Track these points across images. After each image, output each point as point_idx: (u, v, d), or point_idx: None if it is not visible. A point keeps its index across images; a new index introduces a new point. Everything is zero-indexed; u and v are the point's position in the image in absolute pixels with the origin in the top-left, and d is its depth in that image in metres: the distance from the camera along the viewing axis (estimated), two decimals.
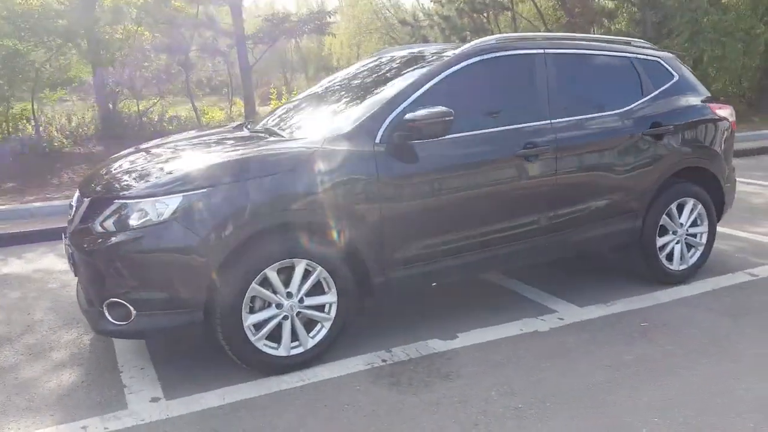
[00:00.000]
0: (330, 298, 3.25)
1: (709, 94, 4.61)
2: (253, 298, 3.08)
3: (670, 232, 4.32)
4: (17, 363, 3.44)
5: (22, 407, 2.96)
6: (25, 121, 11.55)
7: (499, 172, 3.62)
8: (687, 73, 4.52)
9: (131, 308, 2.96)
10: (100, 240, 3.01)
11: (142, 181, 3.14)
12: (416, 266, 3.44)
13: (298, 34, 12.39)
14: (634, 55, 4.27)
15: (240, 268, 3.00)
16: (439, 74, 3.58)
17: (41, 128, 11.42)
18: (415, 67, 3.77)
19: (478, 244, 3.59)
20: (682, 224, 4.34)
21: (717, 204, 4.52)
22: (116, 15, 11.13)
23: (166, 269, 2.93)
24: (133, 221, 2.95)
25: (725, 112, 4.54)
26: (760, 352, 3.36)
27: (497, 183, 3.62)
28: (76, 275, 3.32)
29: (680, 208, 4.33)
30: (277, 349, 3.16)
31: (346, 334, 3.45)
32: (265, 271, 3.05)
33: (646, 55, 4.35)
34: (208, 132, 4.40)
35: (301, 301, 3.18)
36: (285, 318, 3.15)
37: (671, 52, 4.72)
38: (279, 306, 3.13)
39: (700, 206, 4.38)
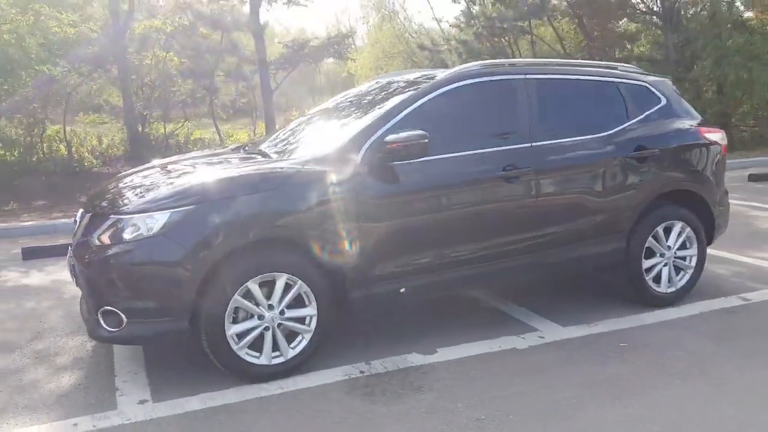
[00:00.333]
0: (310, 311, 3.42)
1: (701, 118, 4.70)
2: (236, 309, 3.28)
3: (657, 255, 4.39)
4: (23, 366, 3.69)
5: (21, 406, 3.19)
6: (57, 142, 12.09)
7: (478, 193, 3.77)
8: (676, 97, 4.62)
9: (123, 316, 3.18)
10: (96, 252, 3.25)
11: (135, 198, 3.38)
12: (395, 282, 3.59)
13: (317, 59, 12.75)
14: (620, 80, 4.40)
15: (223, 280, 3.20)
16: (422, 98, 3.76)
17: (73, 149, 11.95)
18: (402, 91, 3.96)
19: (456, 263, 3.73)
20: (669, 247, 4.41)
21: (707, 227, 4.57)
22: (143, 42, 11.62)
23: (155, 280, 3.15)
24: (126, 235, 3.18)
25: (715, 136, 4.61)
26: (739, 377, 3.38)
27: (476, 203, 3.77)
28: (77, 285, 3.56)
29: (668, 231, 4.40)
30: (258, 358, 3.34)
31: (329, 345, 3.63)
32: (247, 284, 3.25)
33: (633, 79, 4.47)
34: (208, 153, 4.65)
35: (282, 313, 3.36)
36: (266, 329, 3.34)
37: (662, 76, 4.83)
38: (261, 317, 3.32)
39: (688, 229, 4.44)
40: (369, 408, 3.11)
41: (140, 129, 12.58)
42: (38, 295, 5.13)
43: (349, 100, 4.51)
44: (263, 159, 3.82)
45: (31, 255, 6.35)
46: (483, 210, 3.79)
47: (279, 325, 3.37)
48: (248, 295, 3.28)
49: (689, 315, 4.30)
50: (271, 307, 3.33)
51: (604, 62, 5.01)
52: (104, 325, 3.24)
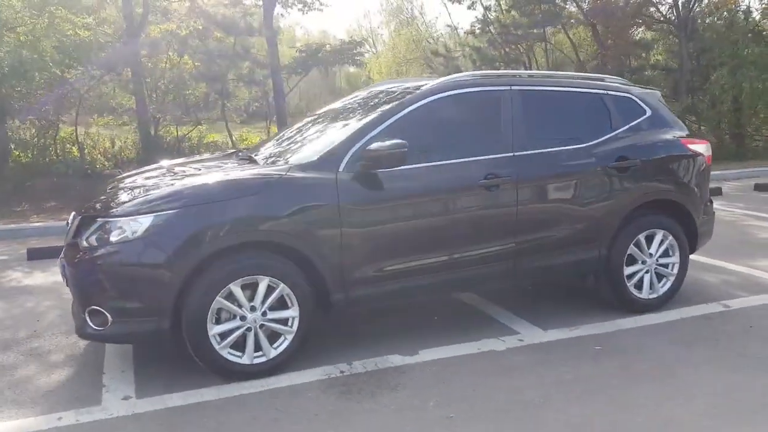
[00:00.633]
0: (292, 312, 3.54)
1: (686, 130, 4.76)
2: (219, 310, 3.41)
3: (639, 262, 4.45)
4: (17, 362, 3.85)
5: (10, 400, 3.35)
6: (70, 144, 12.36)
7: (459, 201, 3.88)
8: (662, 109, 4.69)
9: (108, 316, 3.32)
10: (84, 254, 3.40)
11: (122, 202, 3.52)
12: (374, 286, 3.70)
13: (330, 65, 12.91)
14: (605, 92, 4.48)
15: (205, 282, 3.33)
16: (407, 108, 3.88)
17: (86, 151, 12.20)
18: (389, 101, 4.07)
19: (436, 268, 3.84)
20: (651, 254, 4.47)
21: (690, 236, 4.63)
22: (154, 47, 11.84)
23: (138, 281, 3.29)
24: (113, 237, 3.33)
25: (699, 147, 4.68)
26: (702, 381, 3.46)
27: (457, 211, 3.88)
28: (67, 285, 3.71)
29: (650, 239, 4.46)
30: (241, 357, 3.47)
31: (314, 346, 3.76)
32: (229, 286, 3.38)
33: (618, 91, 4.55)
34: (202, 158, 4.80)
35: (264, 314, 3.49)
36: (249, 330, 3.46)
37: (651, 89, 4.90)
38: (243, 318, 3.45)
39: (670, 238, 4.51)
40: (342, 405, 3.22)
41: (153, 132, 12.81)
42: (39, 295, 5.30)
43: (342, 107, 4.63)
44: (250, 165, 3.95)
45: (35, 255, 6.54)
46: (464, 217, 3.90)
47: (261, 326, 3.49)
48: (230, 296, 3.41)
49: (667, 321, 4.37)
50: (253, 309, 3.46)
51: (591, 74, 5.08)
52: (91, 324, 3.38)
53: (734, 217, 8.24)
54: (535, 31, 14.89)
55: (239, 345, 3.48)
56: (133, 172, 4.54)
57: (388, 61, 23.71)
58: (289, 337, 3.56)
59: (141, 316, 3.32)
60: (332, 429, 2.99)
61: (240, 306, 3.43)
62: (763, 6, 15.89)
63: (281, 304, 3.53)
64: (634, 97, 4.56)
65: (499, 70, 14.80)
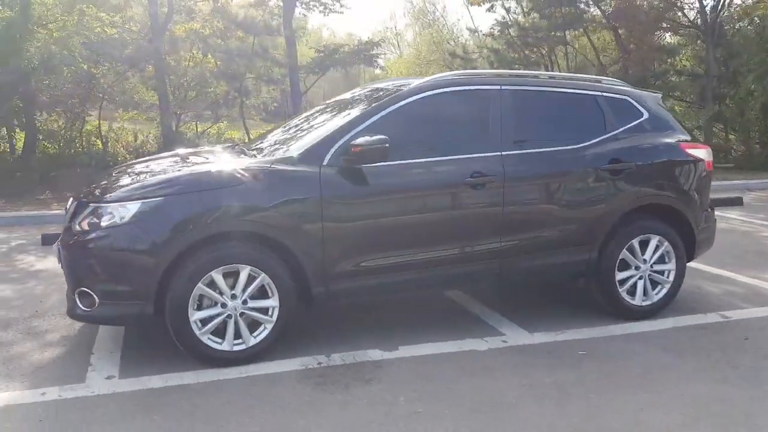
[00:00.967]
0: (273, 302, 3.61)
1: (686, 134, 4.71)
2: (201, 297, 3.49)
3: (633, 267, 4.41)
4: (14, 340, 3.99)
5: (2, 374, 3.48)
6: (95, 137, 12.68)
7: (442, 198, 3.91)
8: (660, 112, 4.64)
9: (96, 297, 3.43)
10: (77, 237, 3.52)
11: (114, 188, 3.63)
12: (355, 280, 3.75)
13: (347, 65, 13.00)
14: (600, 93, 4.46)
15: (188, 269, 3.42)
16: (393, 105, 3.92)
17: (109, 144, 12.50)
18: (378, 98, 4.12)
19: (416, 264, 3.86)
20: (645, 260, 4.43)
21: (687, 243, 4.57)
22: (178, 45, 12.07)
23: (124, 265, 3.39)
24: (103, 222, 3.44)
25: (699, 152, 4.62)
26: (683, 389, 3.41)
27: (440, 208, 3.90)
28: (62, 268, 3.84)
29: (644, 244, 4.42)
30: (221, 344, 3.55)
31: (296, 336, 3.82)
32: (211, 273, 3.46)
33: (614, 93, 4.52)
34: (203, 149, 4.91)
35: (244, 302, 3.56)
36: (229, 317, 3.54)
37: (652, 92, 4.86)
38: (224, 306, 3.52)
39: (666, 244, 4.45)
40: (316, 396, 3.27)
41: (174, 127, 13.07)
42: (47, 278, 5.47)
43: (336, 103, 4.70)
44: (239, 157, 4.03)
45: (50, 241, 6.72)
46: (447, 215, 3.92)
47: (241, 314, 3.56)
48: (212, 284, 3.49)
49: (659, 329, 4.32)
50: (234, 297, 3.53)
51: (588, 76, 5.06)
52: (80, 305, 3.50)
53: (752, 228, 8.09)
54: (555, 34, 14.74)
55: (220, 332, 3.56)
56: (144, 158, 4.67)
57: (409, 63, 23.78)
58: (269, 327, 3.62)
59: (126, 299, 3.42)
60: (303, 418, 3.04)
61: (221, 293, 3.51)
62: None
63: (262, 293, 3.60)
64: (630, 100, 4.53)
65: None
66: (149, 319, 3.47)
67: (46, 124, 12.04)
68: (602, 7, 14.35)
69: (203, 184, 3.51)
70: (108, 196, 3.56)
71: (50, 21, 12.19)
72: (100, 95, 12.21)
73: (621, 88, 4.64)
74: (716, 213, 5.08)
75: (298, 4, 14.37)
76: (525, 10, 15.10)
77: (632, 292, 4.43)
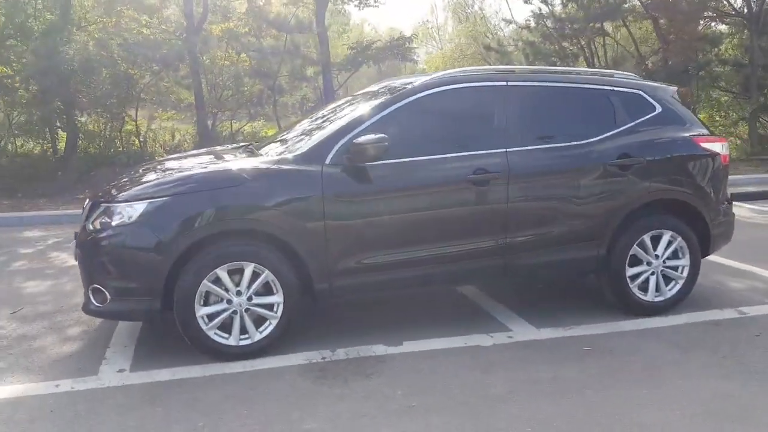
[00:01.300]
0: (277, 298, 3.71)
1: (701, 128, 4.60)
2: (207, 293, 3.61)
3: (644, 263, 4.35)
4: (38, 334, 4.20)
5: (22, 366, 3.68)
6: (134, 137, 13.08)
7: (444, 195, 3.93)
8: (674, 105, 4.54)
9: (107, 294, 3.59)
10: (90, 236, 3.69)
11: (126, 189, 3.78)
12: (358, 277, 3.81)
13: (379, 61, 13.05)
14: (611, 88, 4.39)
15: (194, 266, 3.54)
16: (397, 104, 3.97)
17: (147, 143, 12.88)
18: (383, 96, 4.16)
19: (419, 261, 3.89)
20: (657, 256, 4.36)
21: (702, 238, 4.48)
22: (213, 45, 12.33)
23: (132, 263, 3.54)
24: (113, 222, 3.59)
25: (714, 146, 4.51)
26: (685, 385, 3.38)
27: (443, 205, 3.92)
28: (78, 266, 4.01)
29: (657, 240, 4.36)
30: (227, 339, 3.67)
31: (303, 332, 3.92)
32: (216, 270, 3.57)
33: (626, 87, 4.45)
34: (216, 149, 5.04)
35: (249, 299, 3.66)
36: (234, 313, 3.65)
37: (666, 85, 4.77)
38: (229, 302, 3.64)
39: (679, 239, 4.38)
40: (315, 389, 3.36)
41: (210, 126, 13.37)
42: (78, 276, 5.69)
43: (347, 101, 4.75)
44: (246, 156, 4.14)
45: None
46: (450, 212, 3.94)
47: (247, 310, 3.67)
48: (217, 281, 3.60)
49: (672, 324, 4.26)
50: (239, 293, 3.64)
51: (600, 70, 4.98)
52: (93, 301, 3.66)
53: None
54: (594, 25, 14.44)
55: (227, 327, 3.67)
56: (159, 159, 4.84)
57: (447, 57, 23.70)
58: (274, 322, 3.72)
59: (135, 295, 3.57)
60: (298, 410, 3.13)
61: (226, 290, 3.62)
62: None
63: (267, 290, 3.70)
64: (643, 94, 4.44)
65: (554, 65, 14.53)
66: (158, 314, 3.60)
67: (87, 124, 12.47)
68: None
69: (207, 183, 3.63)
70: (118, 196, 3.71)
71: (90, 23, 12.62)
72: (138, 95, 12.57)
73: (634, 82, 4.57)
74: (754, 206, 4.96)
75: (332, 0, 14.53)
76: (563, 1, 14.82)
77: (644, 287, 4.38)
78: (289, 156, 3.85)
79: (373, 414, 3.09)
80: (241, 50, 13.65)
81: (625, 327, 4.22)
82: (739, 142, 15.92)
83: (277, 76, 12.78)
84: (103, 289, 3.60)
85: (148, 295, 3.55)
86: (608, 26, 15.13)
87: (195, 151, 5.00)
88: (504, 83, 4.16)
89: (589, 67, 15.89)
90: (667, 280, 4.43)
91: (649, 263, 4.36)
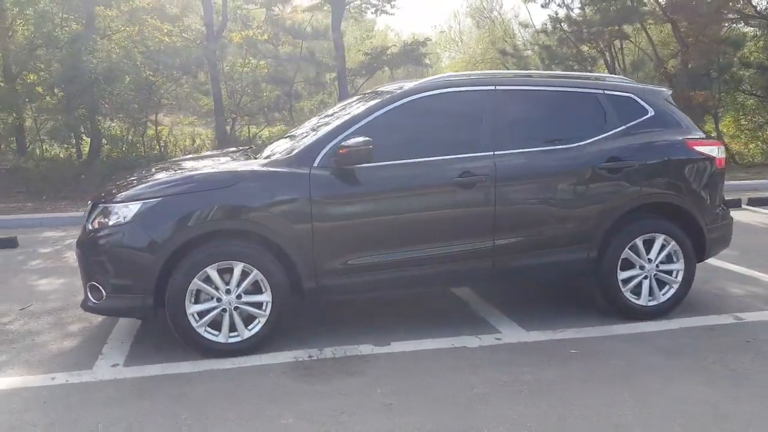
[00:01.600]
0: (266, 297, 3.81)
1: (696, 130, 4.59)
2: (198, 291, 3.73)
3: (637, 267, 4.36)
4: (42, 329, 4.37)
5: (23, 360, 3.83)
6: (156, 141, 13.38)
7: (430, 198, 3.99)
8: (668, 108, 4.54)
9: (103, 291, 3.73)
10: (88, 235, 3.83)
11: (123, 190, 3.92)
12: (345, 277, 3.89)
13: (395, 66, 13.15)
14: (601, 91, 4.41)
15: (184, 265, 3.66)
16: (384, 108, 4.05)
17: (168, 148, 13.17)
18: (373, 100, 4.24)
19: (406, 263, 3.96)
20: (650, 260, 4.36)
21: (697, 243, 4.47)
22: (231, 52, 12.57)
23: (126, 261, 3.67)
24: (110, 222, 3.73)
25: (708, 149, 4.49)
26: (666, 389, 3.38)
27: (429, 208, 3.99)
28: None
29: (649, 244, 4.36)
30: (217, 336, 3.77)
31: (294, 331, 4.02)
32: (206, 269, 3.69)
33: (617, 90, 4.46)
34: (215, 153, 5.19)
35: (239, 297, 3.77)
36: (224, 311, 3.76)
37: (659, 88, 4.77)
38: (219, 300, 3.75)
39: (672, 243, 4.37)
40: (297, 387, 3.44)
41: (229, 131, 13.61)
42: None
43: (342, 106, 4.84)
44: (240, 159, 4.26)
45: None
46: (435, 214, 4.00)
47: (236, 308, 3.78)
48: (207, 279, 3.72)
49: (664, 329, 4.25)
50: (228, 292, 3.75)
51: (591, 74, 5.01)
52: (90, 298, 3.81)
53: None
54: (613, 28, 14.30)
55: (217, 325, 3.78)
56: (161, 163, 5.00)
57: (465, 62, 23.72)
58: (263, 321, 3.82)
59: (129, 292, 3.70)
60: (277, 407, 3.21)
61: (216, 288, 3.74)
62: None
63: (256, 289, 3.80)
64: (635, 97, 4.45)
65: (571, 69, 14.45)
66: (151, 311, 3.73)
67: (110, 130, 12.80)
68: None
69: (198, 185, 3.76)
70: (116, 196, 3.86)
71: (114, 32, 12.97)
72: (159, 101, 12.86)
73: (625, 85, 4.58)
74: None
75: (351, 7, 14.69)
76: (580, 4, 14.74)
77: (637, 291, 4.38)
78: (280, 159, 3.96)
79: (350, 411, 3.16)
80: (260, 57, 13.88)
81: (616, 331, 4.23)
82: (765, 147, 15.64)
83: (293, 83, 12.96)
84: (100, 287, 3.74)
85: (142, 293, 3.67)
86: (628, 29, 14.96)
87: (194, 155, 5.15)
88: (492, 87, 4.22)
89: (609, 70, 15.80)
90: (661, 284, 4.43)
91: (641, 267, 4.36)
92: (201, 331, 3.74)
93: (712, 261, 5.81)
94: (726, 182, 11.14)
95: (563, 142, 4.22)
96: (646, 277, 4.38)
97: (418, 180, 3.96)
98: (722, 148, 4.61)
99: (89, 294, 3.82)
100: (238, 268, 3.74)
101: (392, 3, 15.22)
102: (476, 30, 25.97)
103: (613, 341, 4.06)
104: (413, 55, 12.93)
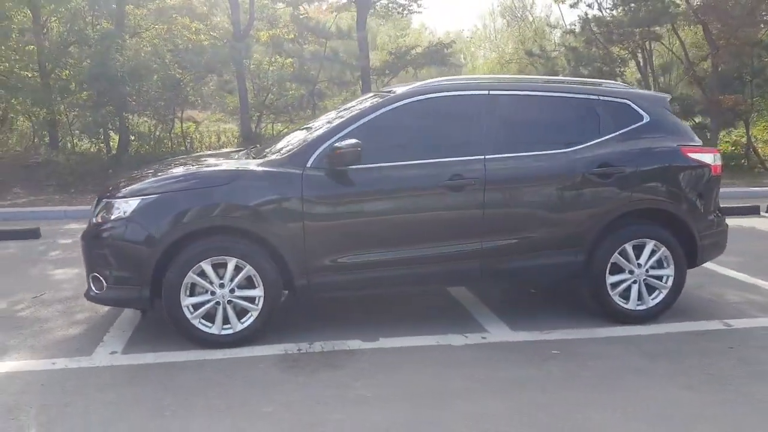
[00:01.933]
0: (258, 292, 3.97)
1: (692, 138, 4.60)
2: (193, 285, 3.90)
3: (626, 271, 4.40)
4: (50, 317, 4.61)
5: (28, 345, 4.06)
6: (183, 138, 13.72)
7: (420, 199, 4.10)
8: (664, 115, 4.55)
9: (104, 282, 3.94)
10: (92, 228, 4.05)
11: (126, 186, 4.11)
12: (335, 275, 4.03)
13: (419, 66, 13.24)
14: (597, 97, 4.45)
15: (180, 259, 3.84)
16: (378, 111, 4.17)
17: (195, 144, 13.49)
18: (367, 103, 4.37)
19: (395, 262, 4.07)
20: (640, 264, 4.39)
21: (688, 249, 4.49)
22: (254, 49, 12.81)
23: (125, 254, 3.87)
24: (112, 216, 3.93)
25: (703, 157, 4.50)
26: (641, 391, 3.43)
27: (418, 209, 4.10)
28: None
29: (640, 249, 4.39)
30: (210, 328, 3.95)
31: (288, 325, 4.20)
32: (201, 263, 3.86)
33: (612, 96, 4.50)
34: (221, 152, 5.38)
35: (232, 291, 3.94)
36: (218, 304, 3.93)
37: (660, 94, 4.79)
38: (213, 293, 3.92)
39: (663, 249, 4.40)
40: (281, 378, 3.59)
41: (254, 128, 13.87)
42: None
43: (343, 108, 4.97)
44: (239, 158, 4.43)
45: None
46: (424, 215, 4.10)
47: (229, 301, 3.95)
48: (202, 273, 3.89)
49: (650, 333, 4.29)
50: (222, 286, 3.92)
51: (588, 79, 5.05)
52: (92, 288, 4.02)
53: None
54: (645, 29, 14.11)
55: (211, 317, 3.96)
56: (168, 161, 5.21)
57: (494, 62, 23.69)
58: (255, 314, 3.98)
59: (128, 284, 3.90)
60: (259, 396, 3.36)
61: (211, 282, 3.91)
62: None
63: (249, 283, 3.96)
64: (630, 103, 4.48)
65: (600, 70, 14.31)
66: (148, 302, 3.92)
67: (137, 126, 13.18)
68: (690, 1, 13.60)
69: (195, 183, 3.93)
70: (119, 192, 4.06)
71: (144, 29, 13.33)
72: (186, 98, 13.19)
73: (621, 91, 4.61)
74: None
75: (378, 7, 14.83)
76: (609, 5, 14.61)
77: (626, 296, 4.42)
78: (275, 159, 4.12)
79: (327, 402, 3.30)
80: (285, 56, 14.10)
81: (602, 333, 4.28)
82: None
83: (317, 81, 13.15)
84: (101, 278, 3.94)
85: (139, 285, 3.86)
86: (660, 30, 14.75)
87: (197, 154, 5.34)
88: (486, 92, 4.30)
89: (641, 72, 15.61)
90: (651, 289, 4.46)
91: (631, 272, 4.40)
92: (195, 322, 3.92)
93: (714, 267, 5.82)
94: (749, 189, 11.08)
95: (555, 146, 4.28)
96: (635, 282, 4.41)
97: (408, 182, 4.07)
98: (718, 155, 4.61)
99: (91, 284, 4.03)
100: (231, 263, 3.90)
101: (418, 2, 15.34)
102: (502, 29, 25.94)
103: (597, 344, 4.12)
104: (437, 56, 13.00)
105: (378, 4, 14.89)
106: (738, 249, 6.68)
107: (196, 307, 3.92)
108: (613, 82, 4.87)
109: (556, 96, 4.45)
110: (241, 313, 4.00)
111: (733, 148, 14.60)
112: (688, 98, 14.24)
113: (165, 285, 3.85)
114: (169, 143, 13.51)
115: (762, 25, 15.12)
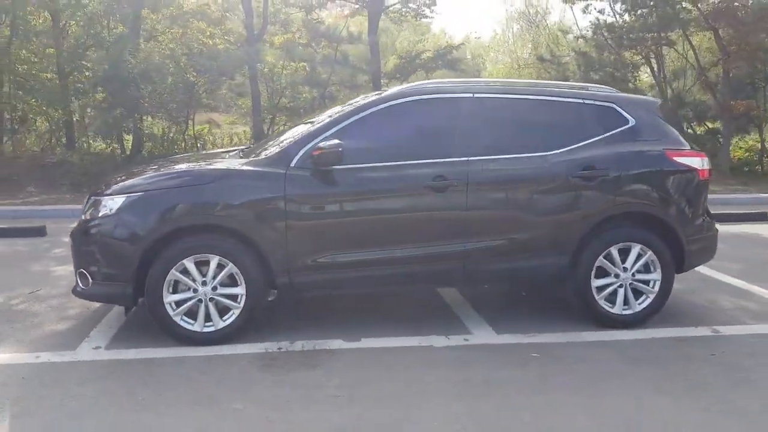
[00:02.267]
0: (240, 290, 4.01)
1: (680, 142, 4.55)
2: (176, 282, 3.96)
3: (612, 275, 4.37)
4: (41, 312, 4.70)
5: (16, 339, 4.15)
6: (196, 139, 13.91)
7: (401, 200, 4.12)
8: (651, 119, 4.52)
9: (90, 278, 4.01)
10: (80, 225, 4.13)
11: (114, 185, 4.19)
12: (317, 274, 4.06)
13: (429, 70, 13.28)
14: (581, 101, 4.44)
15: (163, 256, 3.90)
16: (363, 112, 4.20)
17: (207, 146, 13.66)
18: (354, 105, 4.40)
19: (376, 262, 4.09)
20: (626, 268, 4.36)
21: (675, 254, 4.44)
22: (265, 54, 12.95)
23: (110, 250, 3.94)
24: (99, 213, 4.01)
25: (690, 160, 4.46)
26: (615, 396, 3.41)
27: (400, 210, 4.12)
28: None
29: (625, 253, 4.36)
30: (192, 325, 4.00)
31: (271, 323, 4.24)
32: (183, 261, 3.92)
33: (598, 100, 4.48)
34: (212, 152, 5.45)
35: (214, 289, 3.99)
36: (200, 301, 3.99)
37: (649, 99, 4.76)
38: (195, 291, 3.98)
39: (649, 253, 4.36)
40: (257, 376, 3.62)
41: (266, 130, 14.01)
42: None
43: (332, 110, 5.00)
44: (226, 158, 4.49)
45: None
46: (408, 217, 4.12)
47: (211, 299, 4.00)
48: (185, 271, 3.95)
49: (635, 338, 4.25)
50: (204, 283, 3.97)
51: (573, 83, 5.02)
52: (79, 284, 4.10)
53: None
54: (658, 34, 14.00)
55: (194, 314, 4.01)
56: (159, 161, 5.30)
57: (508, 67, 23.63)
58: (237, 312, 4.02)
59: (112, 280, 3.97)
60: (232, 393, 3.38)
61: (193, 280, 3.96)
62: None
63: (232, 281, 4.01)
64: (616, 107, 4.46)
65: (611, 75, 14.22)
66: (131, 298, 3.99)
67: (151, 127, 13.39)
68: (700, 6, 13.46)
69: (179, 182, 3.99)
70: (107, 190, 4.14)
71: (159, 33, 13.55)
72: (199, 101, 13.37)
73: (606, 95, 4.59)
74: None
75: (389, 11, 14.90)
76: (619, 11, 14.51)
77: (612, 300, 4.39)
78: (260, 159, 4.17)
79: (297, 400, 3.32)
80: (298, 60, 14.24)
81: (586, 338, 4.26)
82: None
83: (328, 85, 13.26)
84: (87, 274, 4.02)
85: (123, 281, 3.93)
86: (673, 36, 14.63)
87: (187, 155, 5.42)
88: (470, 95, 4.31)
89: (654, 78, 15.46)
90: (638, 293, 4.42)
91: (616, 275, 4.37)
92: (177, 319, 3.97)
93: (711, 273, 5.76)
94: (760, 195, 10.91)
95: (539, 149, 4.27)
96: (621, 286, 4.38)
97: (391, 182, 4.10)
98: (706, 159, 4.56)
99: (78, 280, 4.11)
100: (213, 261, 3.95)
101: (431, 8, 15.36)
102: (516, 34, 25.85)
103: (580, 347, 4.10)
104: (446, 59, 13.02)
105: (391, 9, 14.96)
106: (739, 255, 6.62)
107: (179, 304, 3.98)
108: (599, 86, 4.84)
109: (541, 99, 4.44)
110: (223, 310, 4.05)
111: (748, 153, 14.39)
112: (701, 104, 14.08)
113: (148, 282, 3.91)
114: (183, 144, 13.70)
115: None
